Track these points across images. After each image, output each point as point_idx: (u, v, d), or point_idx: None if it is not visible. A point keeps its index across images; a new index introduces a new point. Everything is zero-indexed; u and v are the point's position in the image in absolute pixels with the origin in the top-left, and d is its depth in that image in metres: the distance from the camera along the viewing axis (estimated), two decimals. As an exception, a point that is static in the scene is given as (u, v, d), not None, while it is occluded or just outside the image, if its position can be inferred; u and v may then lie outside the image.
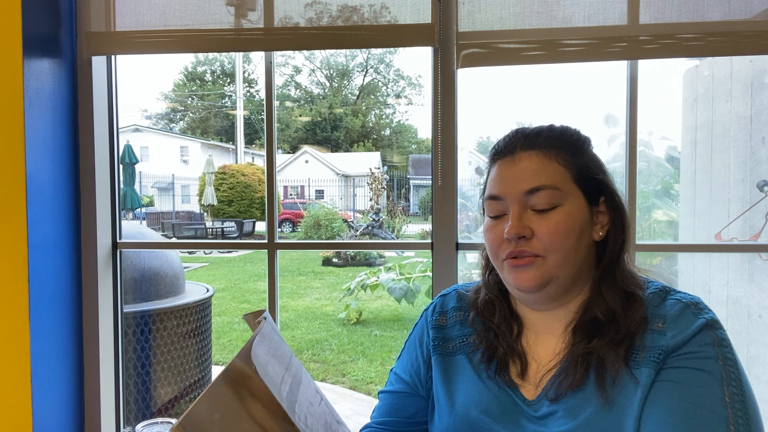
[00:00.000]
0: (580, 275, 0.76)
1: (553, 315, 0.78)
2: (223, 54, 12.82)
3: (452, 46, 1.46)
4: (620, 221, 0.77)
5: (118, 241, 1.69)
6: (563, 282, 0.74)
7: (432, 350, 0.84)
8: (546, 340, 0.78)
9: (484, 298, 0.83)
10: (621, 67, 1.50)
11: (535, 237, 0.73)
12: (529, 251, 0.73)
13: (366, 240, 10.41)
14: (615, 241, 0.77)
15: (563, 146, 0.76)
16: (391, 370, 0.91)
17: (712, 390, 0.64)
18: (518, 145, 0.76)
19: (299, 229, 12.80)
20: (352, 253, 10.16)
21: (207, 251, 11.69)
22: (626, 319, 0.71)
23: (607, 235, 0.77)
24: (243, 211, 15.06)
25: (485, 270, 0.85)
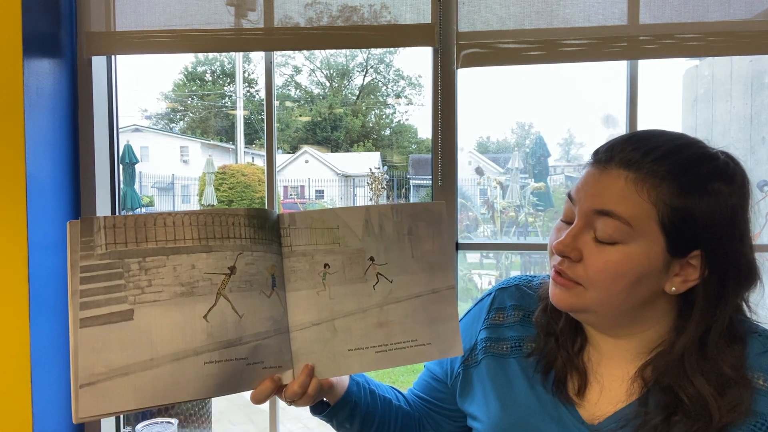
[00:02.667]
0: (638, 318, 0.67)
1: (620, 343, 0.70)
2: (223, 54, 12.80)
3: (452, 46, 1.46)
4: (721, 286, 0.62)
5: (118, 241, 1.69)
6: (606, 318, 0.67)
7: (482, 351, 0.79)
8: (612, 363, 0.70)
9: None
10: (621, 67, 1.50)
11: (582, 263, 0.64)
12: (570, 275, 0.65)
13: (366, 240, 10.38)
14: (705, 307, 0.62)
15: (672, 178, 0.61)
16: None
17: None
18: (618, 157, 0.63)
19: (299, 229, 12.75)
20: (352, 253, 10.13)
21: (207, 251, 11.66)
22: (721, 408, 0.60)
23: (694, 292, 0.63)
24: (243, 211, 15.02)
25: None
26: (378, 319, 0.69)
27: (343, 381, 0.76)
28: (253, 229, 0.65)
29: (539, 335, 0.74)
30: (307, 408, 0.77)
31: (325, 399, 0.77)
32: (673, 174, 0.61)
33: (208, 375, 0.60)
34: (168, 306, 0.60)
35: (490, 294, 0.84)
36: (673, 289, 0.64)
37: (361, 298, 0.69)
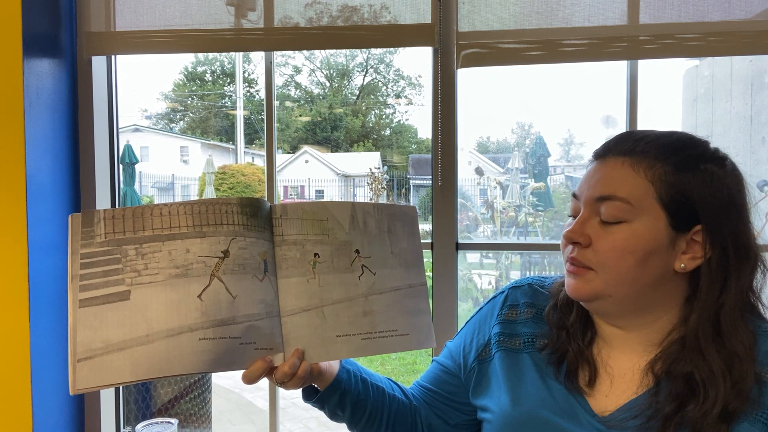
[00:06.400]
0: (651, 302, 0.69)
1: (630, 336, 0.72)
2: (223, 54, 12.81)
3: (452, 46, 1.46)
4: (724, 263, 0.65)
5: (118, 241, 1.69)
6: (621, 302, 0.68)
7: (495, 345, 0.81)
8: (622, 356, 0.72)
9: (565, 294, 0.77)
10: (621, 67, 1.50)
11: (592, 248, 0.68)
12: (581, 261, 0.69)
13: (366, 240, 10.38)
14: (710, 284, 0.65)
15: (664, 158, 0.66)
16: (446, 342, 0.91)
17: None
18: (615, 149, 0.70)
19: (299, 229, 12.73)
20: (352, 253, 10.12)
21: (207, 251, 11.64)
22: (732, 387, 0.62)
23: (700, 271, 0.66)
24: (243, 211, 14.99)
25: None
26: (363, 309, 0.73)
27: (332, 368, 0.78)
28: (246, 217, 0.68)
29: (551, 330, 0.77)
30: (307, 407, 0.79)
31: (316, 385, 0.79)
32: (665, 154, 0.67)
33: (202, 351, 0.62)
34: (163, 286, 0.63)
35: (503, 292, 0.86)
36: (682, 266, 0.66)
37: (348, 288, 0.72)
